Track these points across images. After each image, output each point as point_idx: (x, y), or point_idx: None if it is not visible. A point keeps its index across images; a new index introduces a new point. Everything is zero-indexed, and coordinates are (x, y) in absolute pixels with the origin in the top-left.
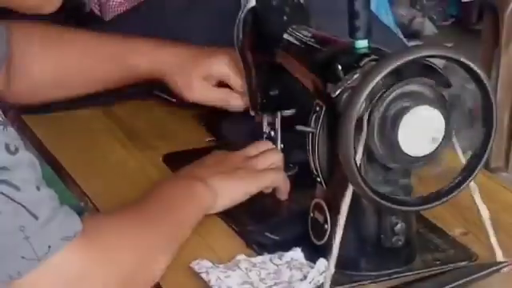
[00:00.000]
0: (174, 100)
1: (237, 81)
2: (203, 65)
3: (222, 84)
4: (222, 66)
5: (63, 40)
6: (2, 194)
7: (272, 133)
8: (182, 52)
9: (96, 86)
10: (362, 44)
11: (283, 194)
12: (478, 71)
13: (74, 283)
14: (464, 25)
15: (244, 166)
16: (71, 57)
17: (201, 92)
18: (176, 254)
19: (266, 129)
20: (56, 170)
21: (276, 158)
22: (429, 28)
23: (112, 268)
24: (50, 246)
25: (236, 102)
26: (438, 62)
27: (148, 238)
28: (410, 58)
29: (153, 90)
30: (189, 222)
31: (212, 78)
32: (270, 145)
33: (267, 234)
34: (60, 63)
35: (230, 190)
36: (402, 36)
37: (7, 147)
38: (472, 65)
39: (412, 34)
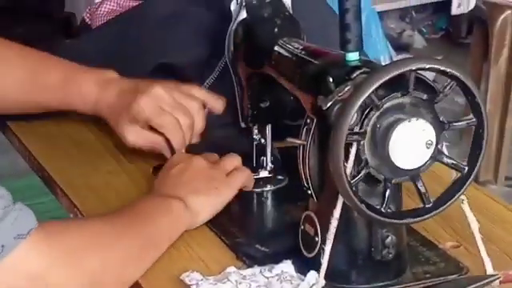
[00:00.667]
0: None
1: (159, 122)
2: (128, 108)
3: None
4: (142, 108)
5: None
6: None
7: (262, 140)
8: (119, 93)
9: (31, 109)
10: (353, 56)
11: (249, 188)
12: (470, 85)
13: (35, 282)
14: (453, 38)
15: (212, 173)
16: (13, 77)
17: (131, 137)
18: (150, 265)
19: (255, 136)
20: (45, 181)
21: (235, 160)
22: (418, 41)
23: (74, 271)
24: (3, 246)
25: (163, 147)
26: (428, 75)
27: (116, 246)
28: (401, 70)
29: None
30: (165, 237)
31: (137, 121)
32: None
33: (257, 246)
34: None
35: (210, 205)
36: (391, 49)
37: None
38: (464, 78)
39: (401, 47)
